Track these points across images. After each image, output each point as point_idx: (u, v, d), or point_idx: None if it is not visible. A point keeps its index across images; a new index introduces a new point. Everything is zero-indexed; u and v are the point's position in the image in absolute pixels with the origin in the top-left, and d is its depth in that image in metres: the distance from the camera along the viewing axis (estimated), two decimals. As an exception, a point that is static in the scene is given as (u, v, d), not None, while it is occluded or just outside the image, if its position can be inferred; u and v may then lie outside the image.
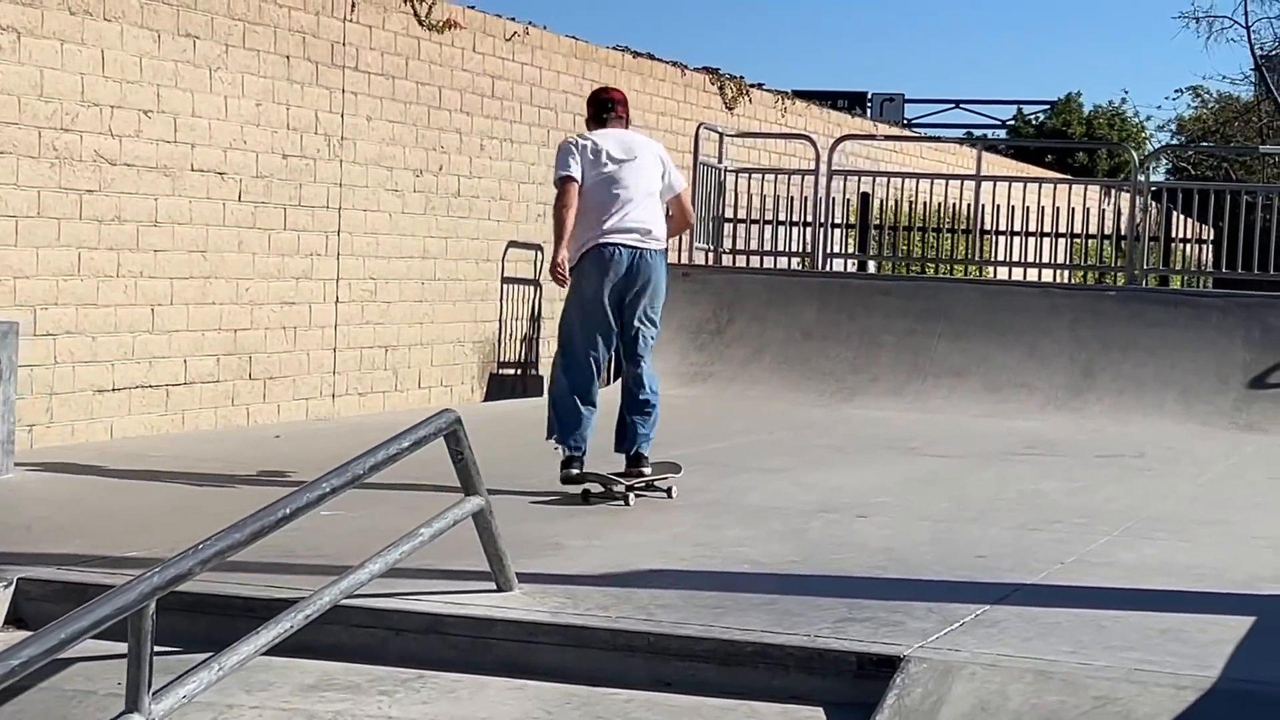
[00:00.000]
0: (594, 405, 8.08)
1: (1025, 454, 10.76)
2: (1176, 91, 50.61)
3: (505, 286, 14.57)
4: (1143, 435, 12.07)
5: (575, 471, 7.97)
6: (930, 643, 5.19)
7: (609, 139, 8.05)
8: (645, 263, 7.92)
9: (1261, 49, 38.76)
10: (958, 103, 43.80)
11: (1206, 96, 43.36)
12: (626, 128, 8.23)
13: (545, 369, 15.27)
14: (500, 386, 14.55)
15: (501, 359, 14.60)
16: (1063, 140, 38.29)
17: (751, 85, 19.10)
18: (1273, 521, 8.22)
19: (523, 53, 14.63)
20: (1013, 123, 42.21)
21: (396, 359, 13.10)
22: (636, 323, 8.01)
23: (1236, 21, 39.08)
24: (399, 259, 13.07)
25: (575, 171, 7.89)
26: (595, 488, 7.97)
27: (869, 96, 41.37)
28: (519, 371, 14.90)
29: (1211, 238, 16.76)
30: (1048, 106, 41.51)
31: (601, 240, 7.86)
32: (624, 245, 7.85)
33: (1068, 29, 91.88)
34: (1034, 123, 41.29)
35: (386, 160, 12.86)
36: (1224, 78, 61.64)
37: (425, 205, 13.37)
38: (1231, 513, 8.48)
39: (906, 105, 42.49)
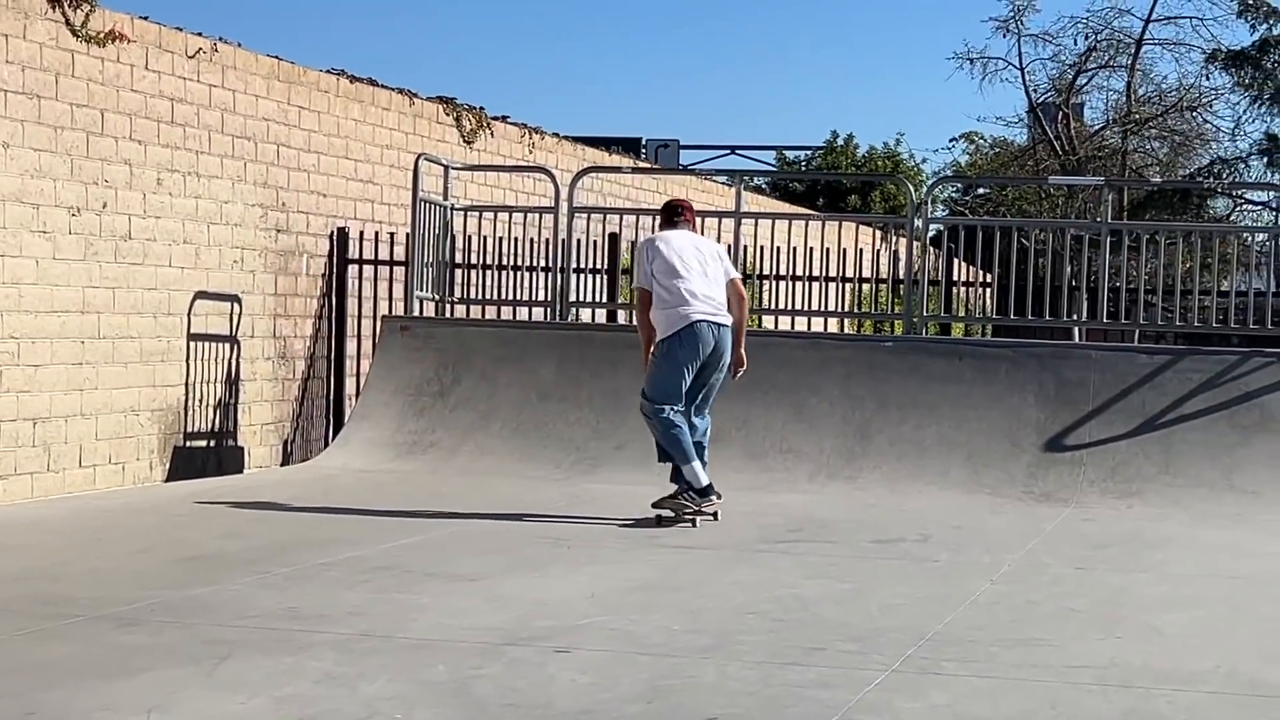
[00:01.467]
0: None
1: (788, 541, 8.93)
2: (951, 140, 49.65)
3: (193, 344, 12.42)
4: (926, 509, 10.35)
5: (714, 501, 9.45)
6: None
7: (682, 239, 9.56)
8: (720, 333, 9.40)
9: (1036, 90, 38.02)
10: (733, 148, 42.77)
11: (981, 143, 42.51)
12: (693, 229, 9.84)
13: (245, 439, 13.15)
14: (188, 462, 12.39)
15: (190, 429, 12.44)
16: (835, 173, 36.96)
17: (495, 118, 17.15)
18: (1092, 639, 6.42)
19: (211, 73, 12.53)
20: (787, 166, 41.05)
21: (49, 433, 10.91)
22: (709, 380, 9.49)
23: (1010, 63, 38.26)
24: (50, 314, 10.89)
25: (646, 280, 9.39)
26: (667, 513, 9.27)
27: (644, 142, 40.15)
28: (212, 443, 12.74)
29: (992, 280, 15.21)
30: (821, 148, 40.38)
31: (693, 317, 9.27)
32: (706, 320, 9.32)
33: (842, 73, 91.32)
34: (803, 164, 40.13)
35: (31, 196, 10.69)
36: (999, 119, 61.34)
37: (85, 250, 11.20)
38: (1039, 625, 6.65)
39: (682, 151, 41.37)
